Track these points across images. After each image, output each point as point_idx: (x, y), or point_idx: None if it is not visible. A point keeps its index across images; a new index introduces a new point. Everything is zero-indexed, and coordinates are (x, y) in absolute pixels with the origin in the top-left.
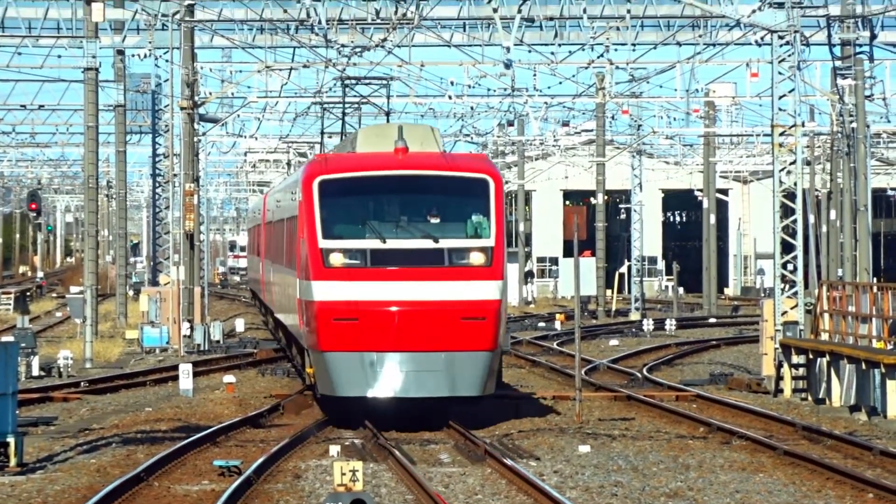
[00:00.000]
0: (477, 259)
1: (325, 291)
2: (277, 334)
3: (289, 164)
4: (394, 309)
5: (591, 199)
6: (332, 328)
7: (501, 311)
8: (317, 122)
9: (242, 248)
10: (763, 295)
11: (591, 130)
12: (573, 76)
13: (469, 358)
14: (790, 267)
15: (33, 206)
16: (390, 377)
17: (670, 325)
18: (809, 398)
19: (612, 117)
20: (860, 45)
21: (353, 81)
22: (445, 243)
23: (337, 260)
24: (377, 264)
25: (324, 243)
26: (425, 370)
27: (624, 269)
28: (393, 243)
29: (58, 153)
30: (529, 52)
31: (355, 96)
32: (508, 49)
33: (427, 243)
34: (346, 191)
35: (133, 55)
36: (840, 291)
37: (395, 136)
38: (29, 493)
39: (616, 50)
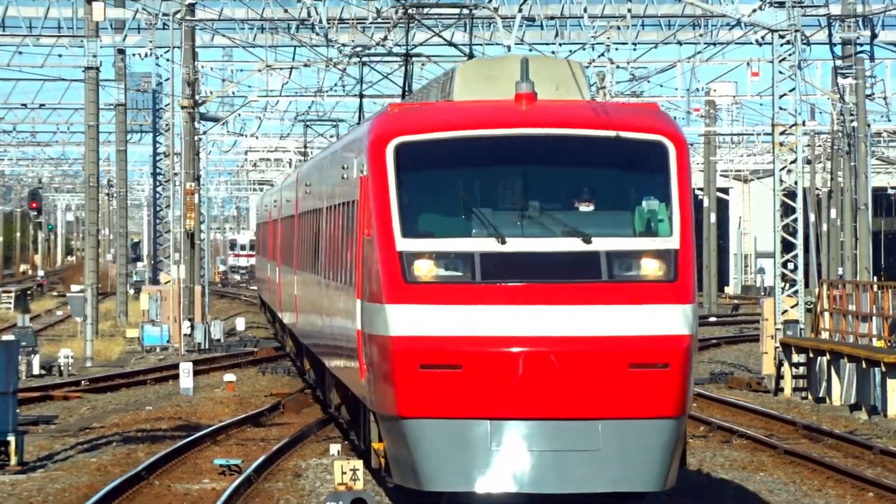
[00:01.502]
0: (653, 269)
1: (408, 321)
2: (303, 365)
3: (290, 163)
4: (520, 350)
5: None
6: (420, 381)
7: (691, 353)
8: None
9: (243, 247)
10: (763, 294)
11: None
12: None
13: (643, 430)
14: (790, 266)
15: (34, 204)
16: (515, 461)
17: None
18: (810, 397)
19: None
20: (861, 45)
21: (373, 58)
22: (602, 244)
23: (426, 271)
24: (492, 278)
25: (405, 244)
26: (572, 450)
27: None
28: (518, 244)
29: (58, 152)
30: (530, 51)
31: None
32: (509, 48)
33: (573, 244)
34: (441, 161)
35: (134, 54)
36: (840, 290)
37: (517, 76)
38: (29, 491)
39: (617, 49)
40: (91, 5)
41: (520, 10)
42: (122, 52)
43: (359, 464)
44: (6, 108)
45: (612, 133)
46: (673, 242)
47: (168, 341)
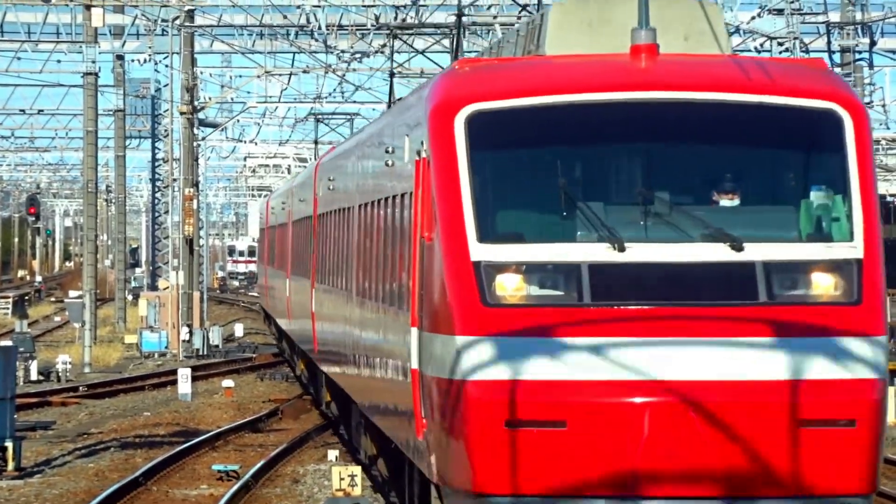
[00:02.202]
0: (828, 288)
1: (489, 360)
2: (317, 392)
3: (289, 169)
4: (647, 401)
5: None
6: (506, 443)
7: (883, 405)
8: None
9: (241, 253)
10: None
11: None
12: None
13: None
14: None
15: (32, 210)
16: None
17: None
18: None
19: None
20: (860, 52)
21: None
22: (757, 252)
23: (513, 289)
24: (606, 299)
25: (483, 252)
26: None
27: None
28: (640, 252)
29: (57, 157)
30: None
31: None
32: None
33: (717, 253)
34: (531, 136)
35: (133, 60)
36: None
37: (633, 21)
38: (27, 497)
39: None
40: (90, 11)
41: (518, 18)
42: (121, 57)
43: (357, 469)
44: (5, 114)
45: (767, 99)
46: (855, 250)
47: (166, 347)
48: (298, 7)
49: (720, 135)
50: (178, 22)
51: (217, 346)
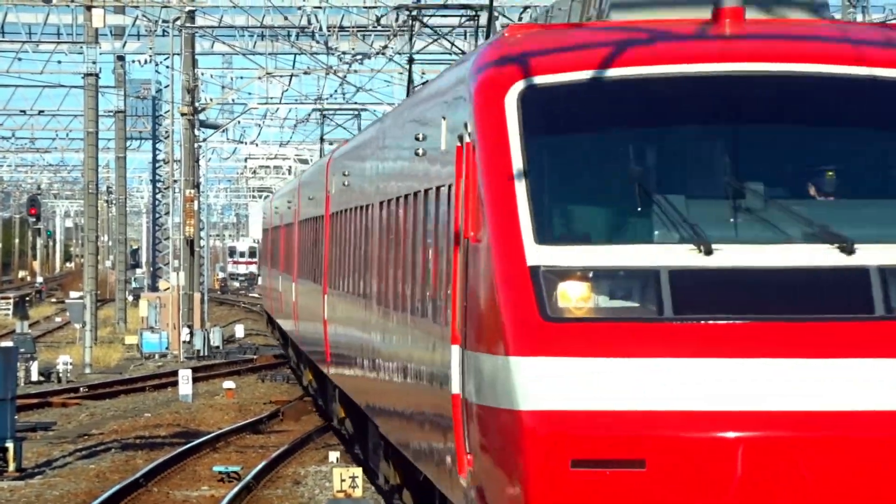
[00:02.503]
0: None
1: (552, 386)
2: (328, 405)
3: (290, 170)
4: (744, 436)
5: None
6: (572, 486)
7: None
8: (317, 130)
9: (242, 254)
10: None
11: None
12: None
13: None
14: None
15: (33, 211)
16: None
17: None
18: None
19: None
20: None
21: None
22: (872, 255)
23: (579, 300)
24: (692, 312)
25: (542, 255)
26: None
27: None
28: (731, 256)
29: (57, 158)
30: None
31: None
32: None
33: (824, 255)
34: (598, 116)
35: (133, 61)
36: None
37: None
38: (28, 498)
39: None
40: (91, 12)
41: (520, 19)
42: (121, 58)
43: (358, 471)
44: (5, 115)
45: (882, 72)
46: None
47: (167, 348)
48: (299, 8)
49: (824, 115)
50: (178, 23)
51: (218, 348)
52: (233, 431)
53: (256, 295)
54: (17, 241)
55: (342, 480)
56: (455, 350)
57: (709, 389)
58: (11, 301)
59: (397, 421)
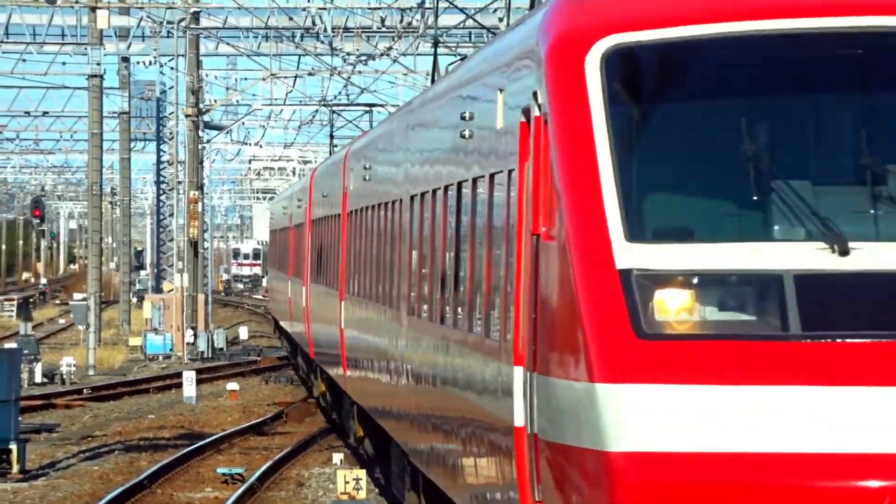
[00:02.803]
0: None
1: (647, 420)
2: (352, 428)
3: (294, 172)
4: (891, 486)
5: None
6: None
7: None
8: (323, 131)
9: (246, 256)
10: None
11: None
12: None
13: None
14: None
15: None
16: None
17: None
18: None
19: None
20: None
21: None
22: None
23: (683, 311)
24: (822, 328)
25: (633, 255)
26: None
27: None
28: (870, 256)
29: (61, 160)
30: None
31: None
32: None
33: None
34: (701, 85)
35: (138, 62)
36: None
37: None
38: (31, 499)
39: None
40: (95, 13)
41: None
42: (125, 60)
43: (362, 473)
44: (9, 116)
45: None
46: None
47: (171, 350)
48: (304, 9)
49: None
50: (183, 24)
51: (221, 349)
52: (237, 433)
53: (260, 297)
54: (21, 242)
55: (346, 482)
56: (518, 373)
57: (848, 426)
58: (15, 303)
59: (434, 451)
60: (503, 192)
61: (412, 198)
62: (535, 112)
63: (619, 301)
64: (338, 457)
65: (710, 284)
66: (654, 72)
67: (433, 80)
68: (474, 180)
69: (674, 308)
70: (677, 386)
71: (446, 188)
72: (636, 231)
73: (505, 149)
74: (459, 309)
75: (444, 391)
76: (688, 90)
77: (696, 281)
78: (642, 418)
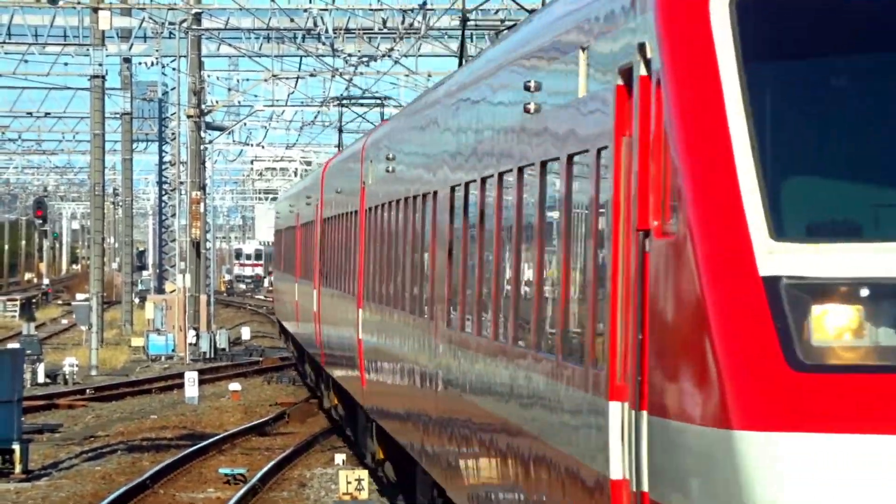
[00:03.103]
0: None
1: (809, 480)
2: (371, 449)
3: (296, 172)
4: None
5: None
6: None
7: None
8: (325, 131)
9: (248, 256)
10: None
11: None
12: None
13: None
14: None
15: (39, 213)
16: None
17: None
18: None
19: None
20: None
21: None
22: None
23: (847, 332)
24: None
25: (781, 259)
26: None
27: None
28: None
29: (64, 160)
30: None
31: None
32: None
33: None
34: (857, 37)
35: (140, 63)
36: None
37: None
38: (34, 500)
39: None
40: (97, 14)
41: None
42: (128, 60)
43: (364, 473)
44: (12, 117)
45: None
46: None
47: (173, 350)
48: (305, 10)
49: None
50: (185, 25)
51: (224, 350)
52: (239, 433)
53: (263, 297)
54: (23, 243)
55: (348, 483)
56: (616, 410)
57: None
58: (18, 303)
59: (484, 496)
60: (591, 178)
61: (453, 189)
62: (641, 70)
63: (765, 319)
64: (340, 457)
65: (886, 297)
66: (799, 22)
67: (461, 62)
68: (543, 164)
69: (837, 329)
70: (846, 436)
71: (501, 176)
72: (784, 227)
73: (590, 122)
74: (527, 324)
75: (497, 425)
76: (841, 41)
77: (865, 293)
78: (801, 477)
